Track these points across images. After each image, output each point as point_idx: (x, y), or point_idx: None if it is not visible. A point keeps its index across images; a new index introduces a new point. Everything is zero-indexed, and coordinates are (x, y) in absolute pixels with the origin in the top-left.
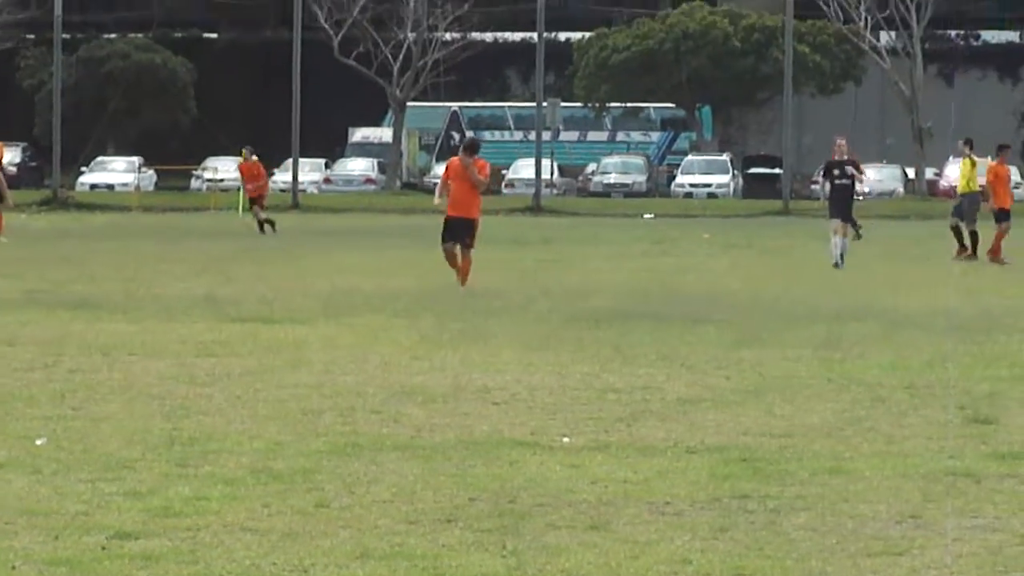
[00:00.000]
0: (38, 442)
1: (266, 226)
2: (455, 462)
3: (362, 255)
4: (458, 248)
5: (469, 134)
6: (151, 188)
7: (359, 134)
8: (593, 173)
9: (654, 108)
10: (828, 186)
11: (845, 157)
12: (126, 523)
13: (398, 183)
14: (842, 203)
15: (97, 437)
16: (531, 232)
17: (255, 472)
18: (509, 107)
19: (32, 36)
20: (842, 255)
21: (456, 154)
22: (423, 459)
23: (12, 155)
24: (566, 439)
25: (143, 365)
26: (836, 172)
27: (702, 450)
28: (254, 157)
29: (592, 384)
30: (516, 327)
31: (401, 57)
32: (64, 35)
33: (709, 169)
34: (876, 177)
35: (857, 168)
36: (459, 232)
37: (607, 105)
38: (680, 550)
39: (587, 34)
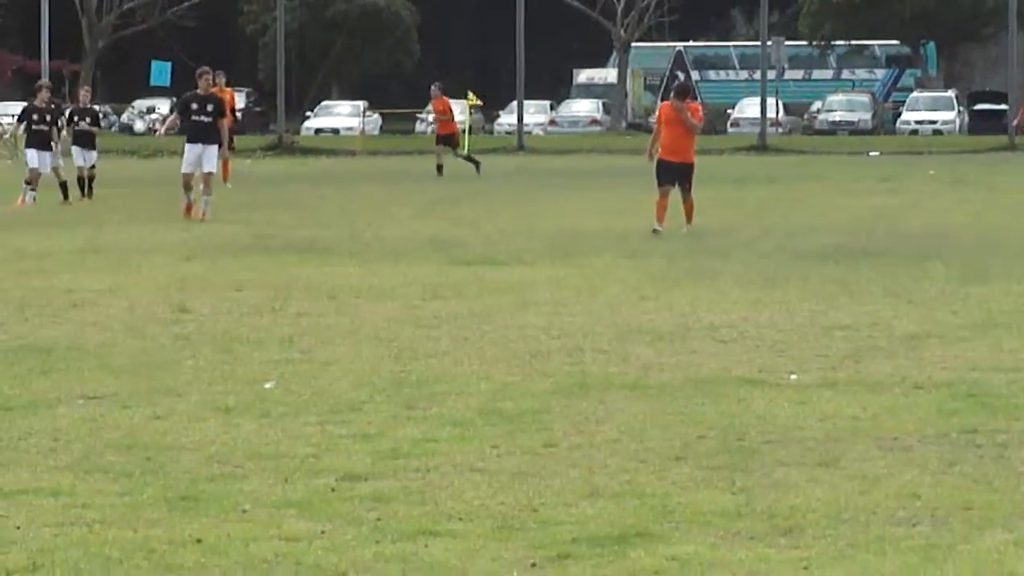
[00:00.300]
0: (267, 385)
1: (469, 164)
2: (683, 400)
3: (588, 196)
4: (674, 192)
5: (694, 74)
6: (376, 132)
7: (584, 75)
8: (819, 111)
9: (879, 45)
10: None
11: None
12: (355, 465)
13: (623, 124)
14: None
15: (325, 380)
16: (757, 171)
17: (483, 413)
18: (734, 46)
19: None
20: None
21: (674, 94)
22: (651, 398)
23: (238, 100)
24: (794, 376)
25: (370, 308)
26: None
27: (929, 386)
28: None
29: (819, 321)
30: (743, 266)
31: None
32: None
33: (935, 106)
34: None
35: None
36: (676, 176)
37: (831, 43)
38: (909, 485)
39: None
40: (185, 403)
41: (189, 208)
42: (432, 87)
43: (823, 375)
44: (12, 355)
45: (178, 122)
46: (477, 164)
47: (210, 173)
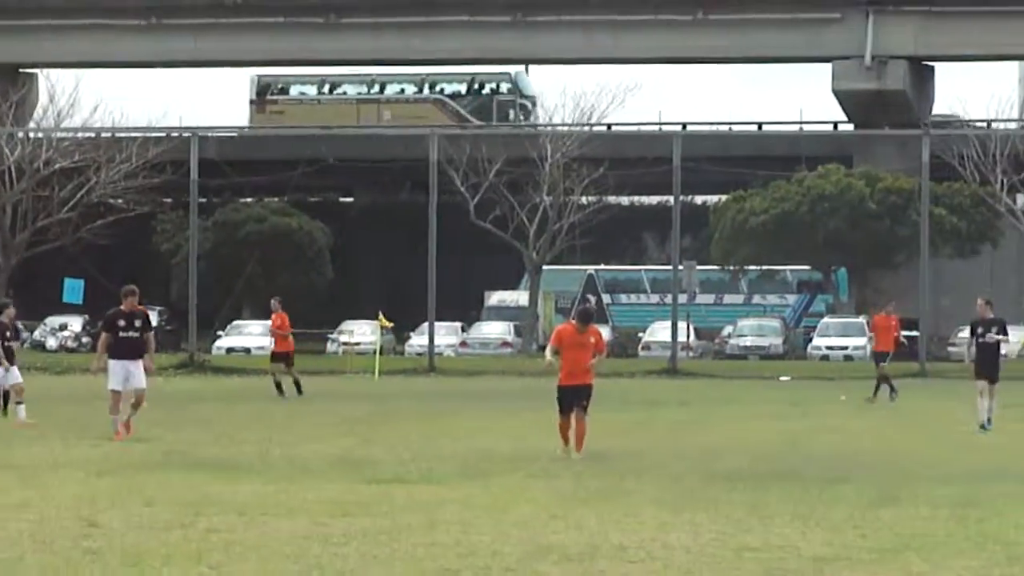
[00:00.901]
0: None
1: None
2: None
3: (499, 417)
4: (573, 413)
5: (605, 297)
6: None
7: (495, 297)
8: (730, 335)
9: (790, 271)
10: (974, 346)
11: (990, 316)
12: None
13: (534, 346)
14: (989, 363)
15: None
16: (668, 394)
17: None
18: (645, 270)
19: (168, 200)
20: (989, 418)
21: (577, 319)
22: None
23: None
24: None
25: (278, 525)
26: (981, 331)
27: None
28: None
29: (727, 543)
30: (653, 486)
31: (537, 220)
32: (200, 199)
33: (845, 331)
34: (1015, 339)
35: (1003, 329)
36: (576, 398)
37: (743, 268)
38: None
39: (723, 197)
40: None
41: (123, 430)
42: (272, 301)
43: None
44: None
45: (105, 358)
46: (299, 387)
47: (143, 389)
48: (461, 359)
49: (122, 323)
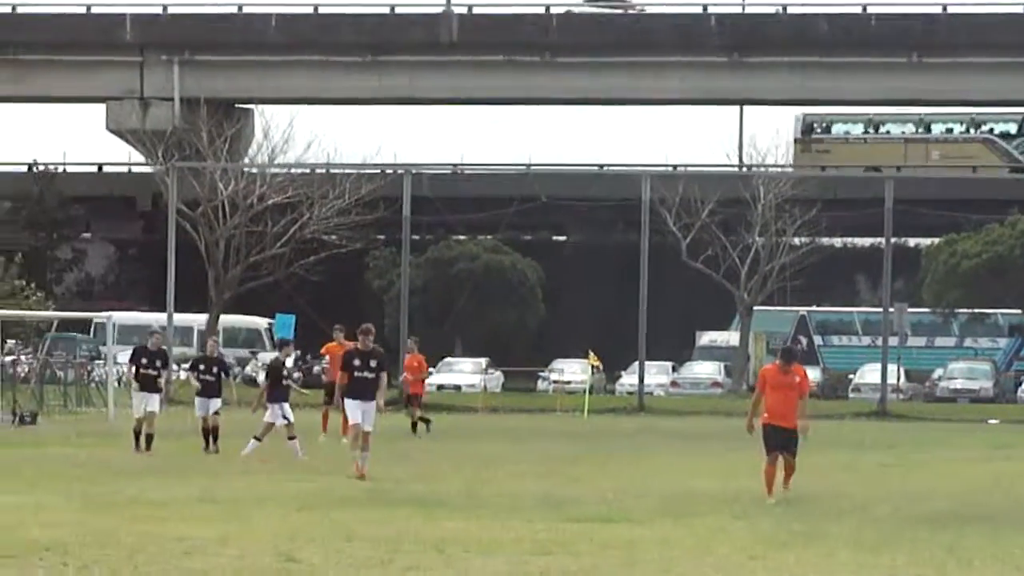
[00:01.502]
0: None
1: (420, 425)
2: None
3: (705, 458)
4: (781, 457)
5: (817, 339)
6: (498, 389)
7: (706, 337)
8: (940, 378)
9: (1002, 314)
10: None
11: None
12: None
13: (744, 386)
14: None
15: None
16: (876, 436)
17: None
18: (857, 312)
19: (382, 237)
20: None
21: (780, 358)
22: None
23: None
24: None
25: (478, 563)
26: None
27: None
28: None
29: None
30: (854, 529)
31: (749, 261)
32: (413, 236)
33: None
34: None
35: None
36: (783, 441)
37: (954, 311)
38: None
39: (936, 240)
40: None
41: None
42: (408, 341)
43: None
44: None
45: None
46: (428, 423)
47: (368, 432)
48: (671, 399)
49: (357, 363)
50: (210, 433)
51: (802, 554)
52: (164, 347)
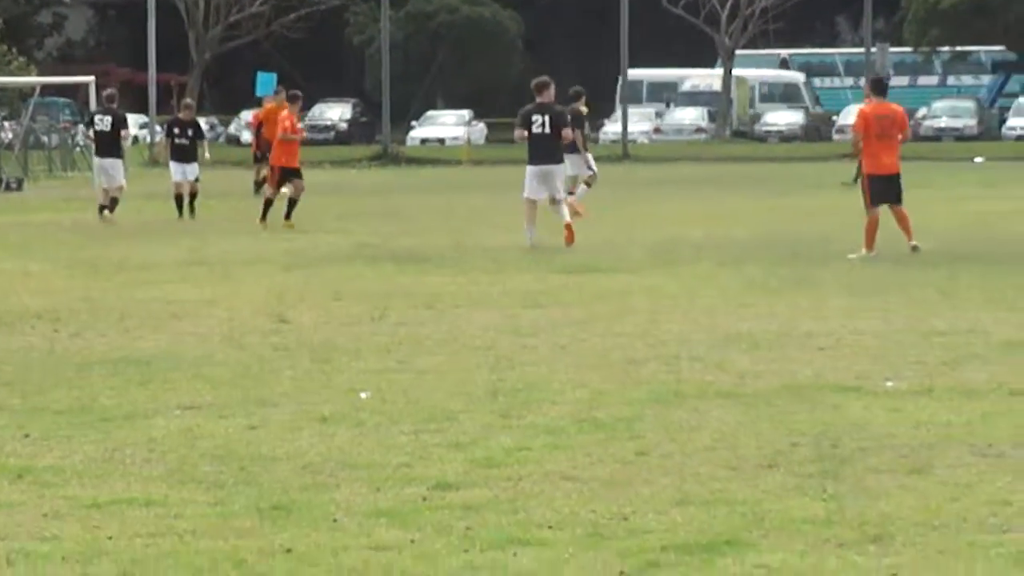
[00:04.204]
0: (362, 395)
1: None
2: (778, 408)
3: (691, 204)
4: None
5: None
6: (481, 141)
7: (688, 83)
8: (924, 117)
9: (984, 51)
10: None
11: None
12: (447, 474)
13: (728, 131)
14: None
15: (421, 389)
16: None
17: (578, 421)
18: (839, 53)
19: None
20: None
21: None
22: (746, 405)
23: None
24: (889, 383)
25: (468, 316)
26: None
27: None
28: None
29: (917, 328)
30: (844, 272)
31: (729, 4)
32: None
33: None
34: None
35: None
36: (896, 192)
37: (937, 49)
38: (1001, 491)
39: None
40: (281, 413)
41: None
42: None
43: (919, 382)
44: (111, 366)
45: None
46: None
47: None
48: (655, 145)
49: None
50: (184, 199)
51: (793, 299)
52: (196, 117)
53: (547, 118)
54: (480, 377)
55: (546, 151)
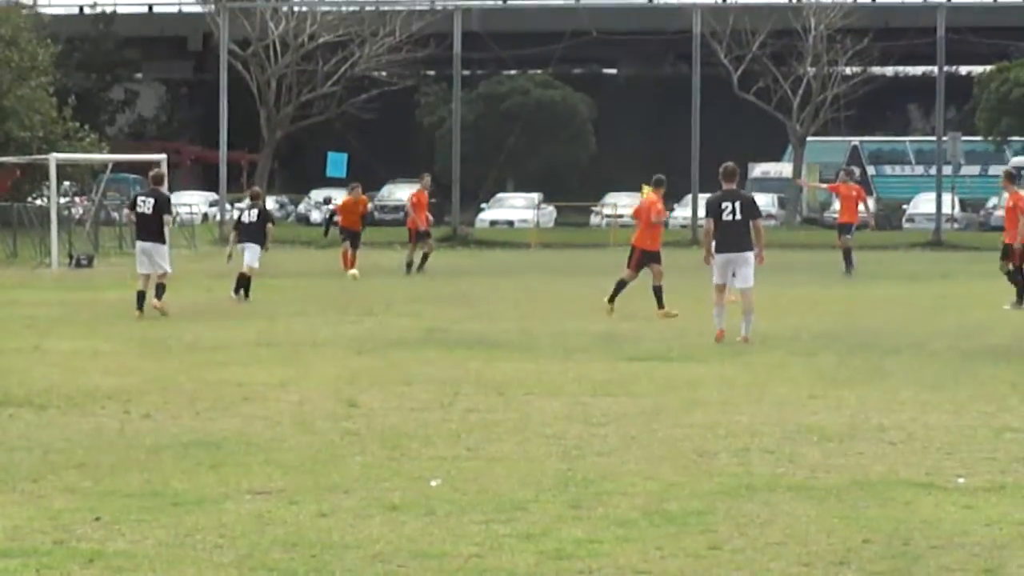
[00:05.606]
0: (432, 483)
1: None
2: (849, 503)
3: (761, 292)
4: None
5: (870, 169)
6: (550, 224)
7: (759, 169)
8: (995, 207)
9: None
10: None
11: None
12: (519, 566)
13: (798, 218)
14: None
15: (491, 478)
16: (931, 267)
17: (648, 514)
18: (910, 141)
19: (432, 73)
20: None
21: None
22: (817, 500)
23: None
24: (961, 479)
25: (538, 404)
26: None
27: None
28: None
29: (989, 423)
30: (914, 365)
31: (801, 92)
32: (463, 72)
33: None
34: None
35: None
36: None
37: (1008, 138)
38: None
39: (987, 68)
40: (352, 500)
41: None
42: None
43: (991, 478)
44: (182, 449)
45: None
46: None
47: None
48: None
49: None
50: (242, 281)
51: (863, 392)
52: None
53: (737, 205)
54: (550, 466)
55: (736, 239)
